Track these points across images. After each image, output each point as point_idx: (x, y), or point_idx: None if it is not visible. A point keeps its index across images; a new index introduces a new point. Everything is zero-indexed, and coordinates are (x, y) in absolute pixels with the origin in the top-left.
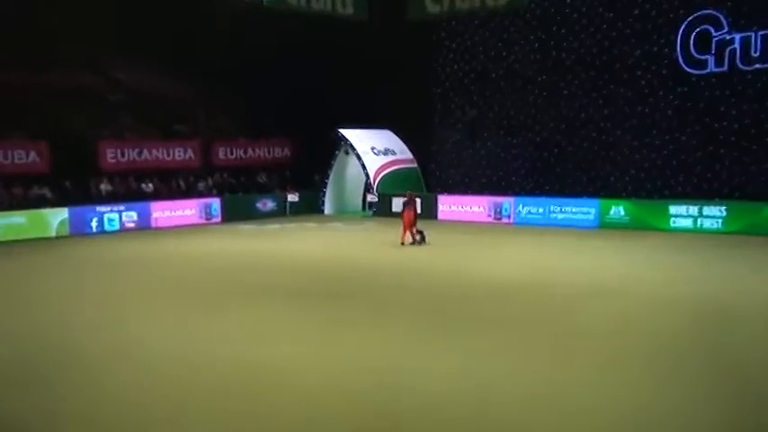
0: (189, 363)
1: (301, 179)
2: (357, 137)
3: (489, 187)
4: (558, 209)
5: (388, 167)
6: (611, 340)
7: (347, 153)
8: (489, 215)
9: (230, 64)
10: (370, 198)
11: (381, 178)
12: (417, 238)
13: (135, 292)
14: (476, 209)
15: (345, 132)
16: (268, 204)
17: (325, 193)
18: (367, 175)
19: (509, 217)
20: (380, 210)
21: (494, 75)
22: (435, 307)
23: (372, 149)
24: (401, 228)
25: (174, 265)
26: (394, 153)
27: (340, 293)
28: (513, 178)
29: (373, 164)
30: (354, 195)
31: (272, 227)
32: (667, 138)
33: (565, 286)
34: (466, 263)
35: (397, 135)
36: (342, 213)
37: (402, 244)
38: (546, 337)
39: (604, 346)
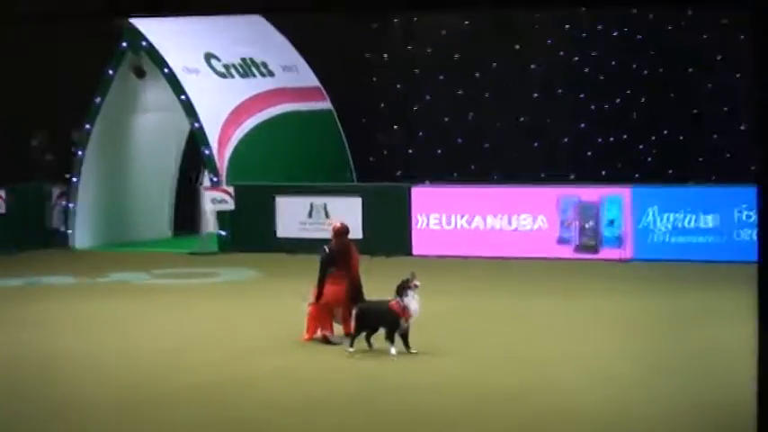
0: None
1: None
2: (171, 29)
3: (554, 163)
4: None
5: (254, 112)
6: None
7: (140, 75)
8: (565, 237)
9: None
10: (211, 201)
11: (239, 144)
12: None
13: None
14: (522, 221)
15: (138, 21)
16: None
17: (74, 191)
18: (199, 135)
19: (620, 242)
20: (237, 235)
21: None
22: None
23: (209, 62)
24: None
25: None
26: (267, 71)
27: None
28: (614, 137)
29: (215, 103)
30: (160, 197)
31: None
32: None
33: None
34: None
35: (279, 28)
36: (127, 246)
37: (327, 338)
38: None
39: None
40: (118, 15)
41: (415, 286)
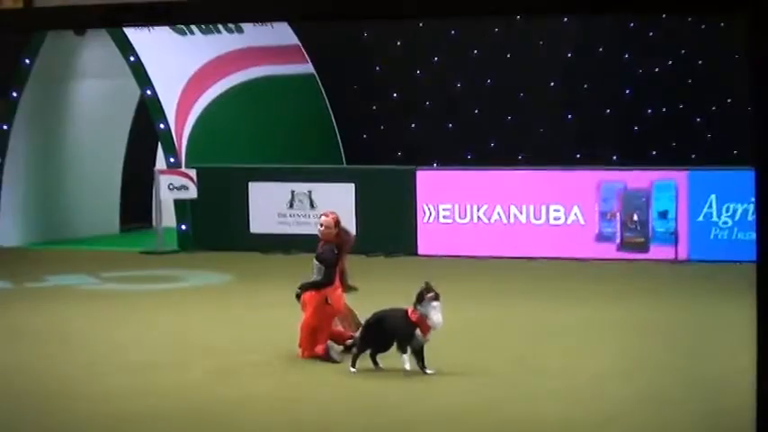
0: None
1: None
2: None
3: (593, 142)
4: None
5: (220, 77)
6: None
7: (78, 31)
8: (606, 233)
9: None
10: (168, 188)
11: (202, 116)
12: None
13: None
14: (553, 212)
15: None
16: None
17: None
18: (153, 105)
19: (673, 238)
20: (201, 230)
21: None
22: None
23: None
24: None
25: None
26: (235, 27)
27: None
28: (666, 109)
29: (172, 66)
30: (105, 183)
31: None
32: None
33: None
34: None
35: None
36: (66, 244)
37: (324, 356)
38: None
39: None
40: (114, 26)
41: (437, 297)
